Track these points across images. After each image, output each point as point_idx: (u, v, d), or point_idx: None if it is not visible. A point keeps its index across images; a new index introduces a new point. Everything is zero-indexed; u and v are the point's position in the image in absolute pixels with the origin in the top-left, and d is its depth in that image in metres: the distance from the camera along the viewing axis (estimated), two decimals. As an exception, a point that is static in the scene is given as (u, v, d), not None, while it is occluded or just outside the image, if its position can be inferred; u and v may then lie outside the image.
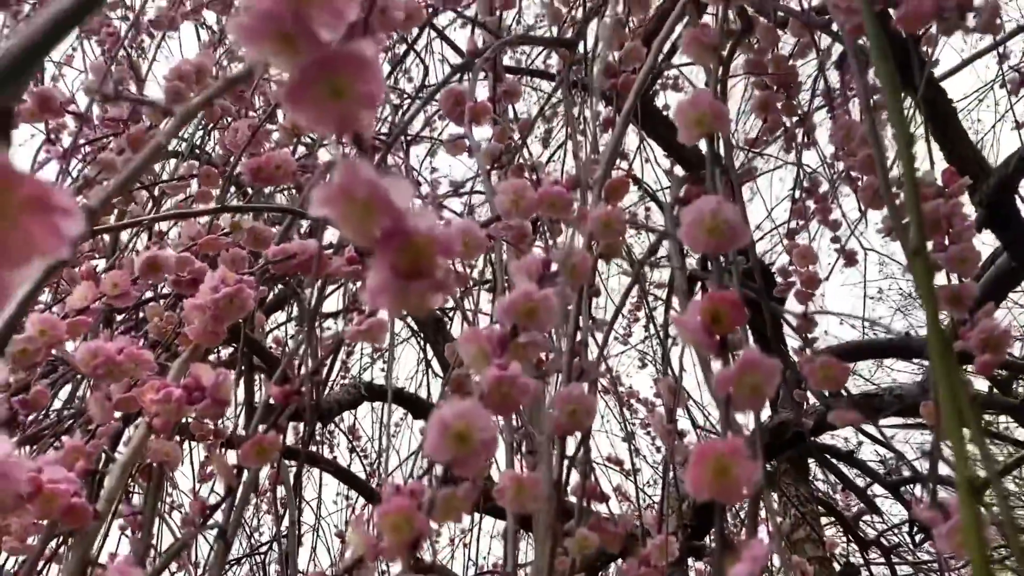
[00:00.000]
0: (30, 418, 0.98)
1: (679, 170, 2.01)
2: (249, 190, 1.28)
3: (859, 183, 0.73)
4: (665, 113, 2.05)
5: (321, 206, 0.25)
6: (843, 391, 1.10)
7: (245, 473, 0.61)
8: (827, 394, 0.98)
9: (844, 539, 2.35)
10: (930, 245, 0.69)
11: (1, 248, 0.17)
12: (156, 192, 1.19)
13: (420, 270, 0.26)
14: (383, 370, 3.05)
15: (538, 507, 0.49)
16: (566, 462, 0.53)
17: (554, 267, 0.53)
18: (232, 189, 1.29)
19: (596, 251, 0.63)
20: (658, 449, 2.67)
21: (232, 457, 0.62)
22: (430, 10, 0.88)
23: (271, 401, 0.65)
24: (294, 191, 1.44)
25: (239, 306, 0.65)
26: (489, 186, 0.71)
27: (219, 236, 0.89)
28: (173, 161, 1.41)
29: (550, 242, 0.84)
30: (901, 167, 0.38)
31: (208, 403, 0.56)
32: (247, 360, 1.17)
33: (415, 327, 2.56)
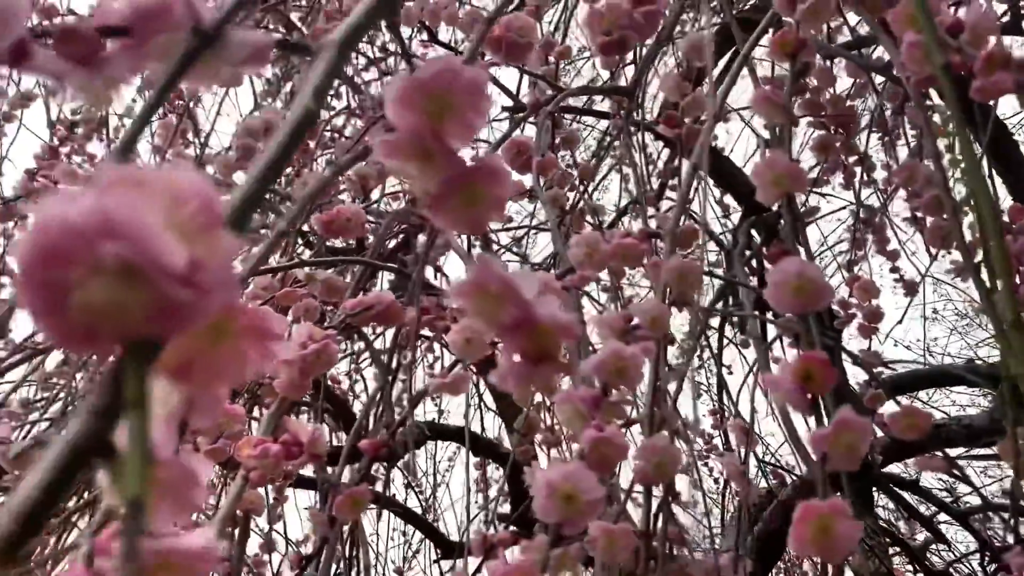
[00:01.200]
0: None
1: (729, 198, 2.02)
2: (312, 241, 1.32)
3: (924, 222, 0.74)
4: (713, 144, 2.06)
5: (455, 299, 0.27)
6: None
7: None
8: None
9: (911, 569, 2.30)
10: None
11: (220, 367, 0.19)
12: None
13: (546, 354, 0.28)
14: (436, 404, 3.07)
15: (627, 556, 0.51)
16: (652, 512, 0.55)
17: (635, 320, 0.54)
18: (299, 240, 1.33)
19: (668, 300, 0.64)
20: (715, 480, 2.63)
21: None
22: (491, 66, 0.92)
23: (347, 450, 0.68)
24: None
25: (326, 361, 0.68)
26: (559, 236, 0.73)
27: (295, 288, 0.92)
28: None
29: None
30: (977, 222, 0.40)
31: (305, 458, 0.59)
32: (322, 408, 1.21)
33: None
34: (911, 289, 1.36)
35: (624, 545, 0.49)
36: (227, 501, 0.63)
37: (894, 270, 1.37)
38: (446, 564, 2.55)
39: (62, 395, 1.30)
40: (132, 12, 0.21)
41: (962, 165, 0.32)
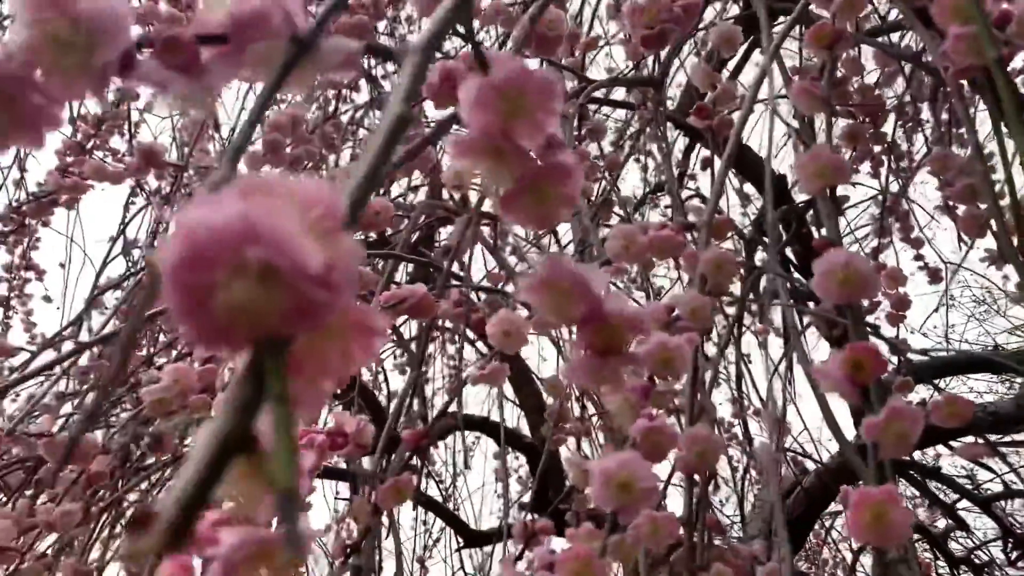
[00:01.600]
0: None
1: (749, 188, 2.01)
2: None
3: (957, 211, 0.74)
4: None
5: (527, 294, 0.28)
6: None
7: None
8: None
9: (932, 556, 2.30)
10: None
11: (328, 363, 0.20)
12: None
13: (615, 348, 0.29)
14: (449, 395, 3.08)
15: (669, 543, 0.52)
16: (694, 500, 0.55)
17: (676, 312, 0.55)
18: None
19: (705, 290, 0.65)
20: (733, 469, 2.64)
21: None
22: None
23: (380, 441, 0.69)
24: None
25: (371, 350, 0.69)
26: (593, 228, 0.74)
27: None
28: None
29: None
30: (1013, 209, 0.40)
31: (351, 448, 0.60)
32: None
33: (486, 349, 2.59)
34: (935, 277, 1.36)
35: (668, 532, 0.50)
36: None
37: (918, 257, 1.37)
38: (467, 552, 2.57)
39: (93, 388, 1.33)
40: (231, 21, 0.22)
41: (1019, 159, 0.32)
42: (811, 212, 1.29)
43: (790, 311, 0.67)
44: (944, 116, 0.88)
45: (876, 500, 0.34)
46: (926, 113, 1.13)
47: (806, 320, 1.09)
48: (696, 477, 0.57)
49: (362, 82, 1.72)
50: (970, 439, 1.45)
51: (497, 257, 1.03)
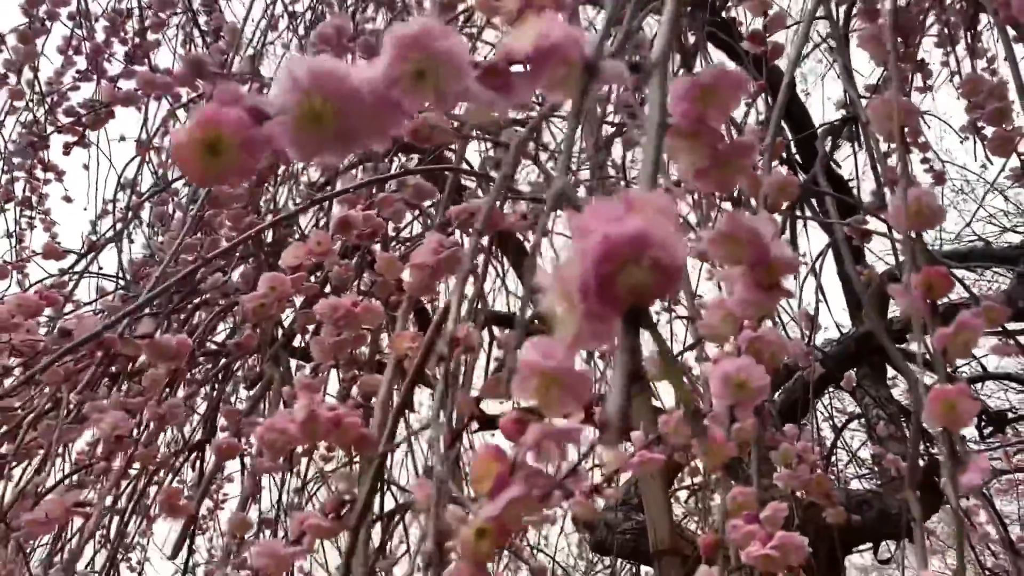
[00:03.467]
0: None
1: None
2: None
3: (984, 132, 0.81)
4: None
5: (710, 247, 0.36)
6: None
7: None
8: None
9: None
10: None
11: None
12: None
13: (775, 284, 0.37)
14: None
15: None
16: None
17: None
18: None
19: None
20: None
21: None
22: None
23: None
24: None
25: (455, 265, 0.77)
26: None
27: (390, 194, 1.00)
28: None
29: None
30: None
31: (461, 350, 0.68)
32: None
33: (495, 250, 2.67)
34: (939, 179, 1.44)
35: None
36: (382, 387, 0.73)
37: (925, 161, 1.45)
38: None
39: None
40: (534, 50, 0.28)
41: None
42: (829, 138, 1.36)
43: (840, 227, 0.75)
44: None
45: (950, 396, 0.43)
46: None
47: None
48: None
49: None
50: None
51: (541, 167, 1.10)
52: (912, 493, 0.53)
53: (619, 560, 2.22)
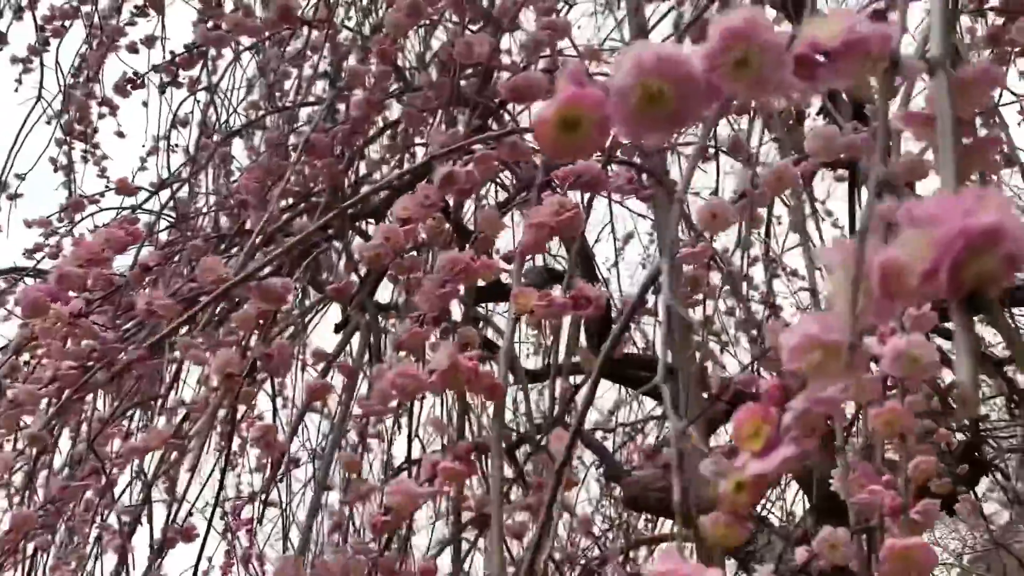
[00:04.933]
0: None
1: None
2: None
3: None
4: None
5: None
6: None
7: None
8: None
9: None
10: None
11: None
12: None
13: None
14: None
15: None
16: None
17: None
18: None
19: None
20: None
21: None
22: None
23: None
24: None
25: (576, 226, 0.79)
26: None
27: (490, 151, 1.02)
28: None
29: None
30: None
31: (592, 310, 0.71)
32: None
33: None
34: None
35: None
36: (505, 339, 0.76)
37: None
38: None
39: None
40: (840, 43, 0.30)
41: None
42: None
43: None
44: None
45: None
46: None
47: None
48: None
49: None
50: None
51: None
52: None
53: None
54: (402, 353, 1.04)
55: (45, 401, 0.93)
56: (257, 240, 0.94)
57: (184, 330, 0.96)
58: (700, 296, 1.02)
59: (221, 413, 1.17)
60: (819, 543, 0.61)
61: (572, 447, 0.63)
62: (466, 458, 0.68)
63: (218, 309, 1.05)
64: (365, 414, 0.95)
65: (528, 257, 0.89)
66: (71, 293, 0.98)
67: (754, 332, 1.17)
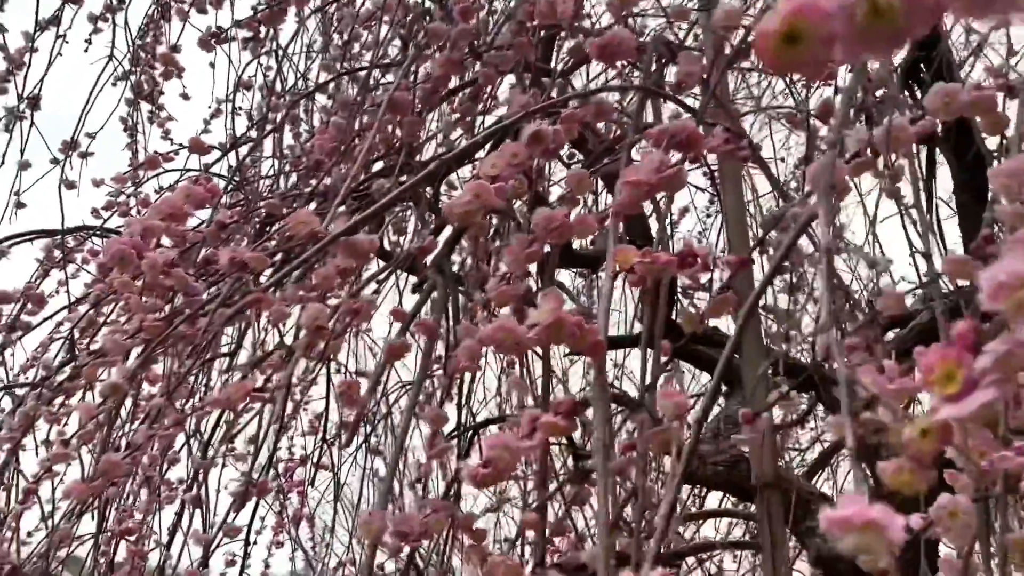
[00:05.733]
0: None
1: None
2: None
3: None
4: None
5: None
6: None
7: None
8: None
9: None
10: None
11: None
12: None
13: None
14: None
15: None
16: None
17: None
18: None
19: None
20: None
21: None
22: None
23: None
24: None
25: (677, 184, 0.77)
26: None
27: (573, 110, 1.00)
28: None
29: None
30: None
31: (699, 267, 0.70)
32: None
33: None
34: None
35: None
36: (603, 299, 0.75)
37: None
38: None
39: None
40: None
41: None
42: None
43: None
44: None
45: None
46: None
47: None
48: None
49: None
50: None
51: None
52: None
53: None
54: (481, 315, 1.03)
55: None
56: (341, 197, 0.93)
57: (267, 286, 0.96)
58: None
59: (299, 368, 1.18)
60: (937, 510, 0.59)
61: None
62: (569, 413, 0.68)
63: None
64: (452, 371, 0.95)
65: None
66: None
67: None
